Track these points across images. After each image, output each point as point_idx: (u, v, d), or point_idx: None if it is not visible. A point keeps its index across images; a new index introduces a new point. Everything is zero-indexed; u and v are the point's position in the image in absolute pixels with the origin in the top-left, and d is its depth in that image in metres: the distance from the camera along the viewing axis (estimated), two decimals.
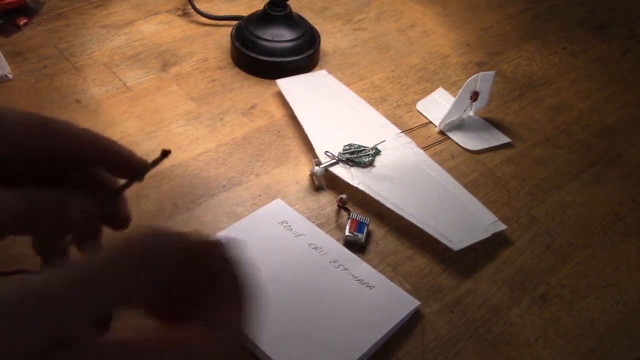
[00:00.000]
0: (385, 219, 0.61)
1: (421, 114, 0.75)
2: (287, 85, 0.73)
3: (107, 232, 0.38)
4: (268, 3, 0.77)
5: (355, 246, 0.58)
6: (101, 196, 0.38)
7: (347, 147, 0.65)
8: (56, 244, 0.39)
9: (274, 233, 0.57)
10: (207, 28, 0.83)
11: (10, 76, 0.71)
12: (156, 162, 0.35)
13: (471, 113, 0.74)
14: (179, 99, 0.72)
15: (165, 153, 0.33)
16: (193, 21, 0.84)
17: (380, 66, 0.81)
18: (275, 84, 0.73)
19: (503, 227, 0.61)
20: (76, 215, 0.35)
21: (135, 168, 0.38)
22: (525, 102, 0.79)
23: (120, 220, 0.41)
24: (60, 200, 0.35)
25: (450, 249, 0.57)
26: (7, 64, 0.72)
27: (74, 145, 0.37)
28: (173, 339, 0.28)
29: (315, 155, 0.65)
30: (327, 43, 0.83)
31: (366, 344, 0.49)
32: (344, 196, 0.61)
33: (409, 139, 0.69)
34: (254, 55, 0.76)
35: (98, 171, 0.40)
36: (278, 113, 0.72)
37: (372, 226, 0.60)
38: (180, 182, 0.62)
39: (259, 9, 0.79)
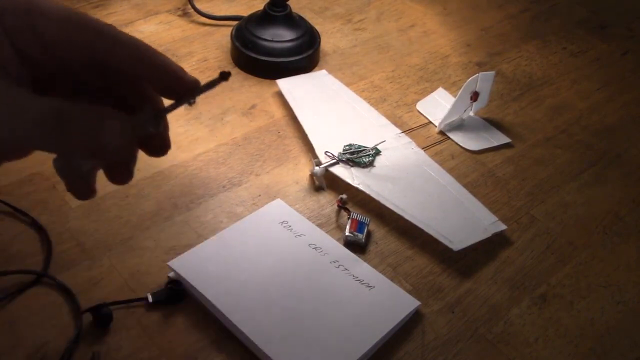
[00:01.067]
0: (385, 219, 0.61)
1: (421, 114, 0.75)
2: (287, 85, 0.73)
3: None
4: (268, 3, 0.77)
5: (356, 246, 0.58)
6: (144, 116, 0.32)
7: (347, 147, 0.65)
8: (83, 166, 0.34)
9: (274, 233, 0.57)
10: (207, 28, 0.83)
11: None
12: (212, 84, 0.30)
13: (471, 113, 0.74)
14: None
15: (224, 75, 0.29)
16: (193, 21, 0.84)
17: (380, 66, 0.81)
18: (275, 84, 0.73)
19: (503, 227, 0.60)
20: (111, 138, 0.30)
21: (186, 87, 0.33)
22: (525, 102, 0.79)
23: (159, 145, 0.36)
24: (95, 118, 0.30)
25: (450, 249, 0.57)
26: None
27: (118, 54, 0.32)
28: None
29: (315, 155, 0.65)
30: (327, 43, 0.83)
31: (366, 344, 0.49)
32: (344, 196, 0.61)
33: (409, 139, 0.69)
34: (254, 55, 0.76)
35: (143, 86, 0.35)
36: (278, 113, 0.72)
37: (372, 226, 0.60)
38: (180, 182, 0.62)
39: (259, 9, 0.79)
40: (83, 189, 0.36)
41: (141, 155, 0.35)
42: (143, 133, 0.32)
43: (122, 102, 0.34)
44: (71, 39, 0.31)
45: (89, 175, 0.35)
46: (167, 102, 0.34)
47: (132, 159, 0.35)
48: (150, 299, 0.51)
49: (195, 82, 0.33)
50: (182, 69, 0.33)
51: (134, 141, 0.32)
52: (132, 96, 0.34)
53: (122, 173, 0.35)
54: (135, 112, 0.32)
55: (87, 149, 0.30)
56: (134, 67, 0.32)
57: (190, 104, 0.32)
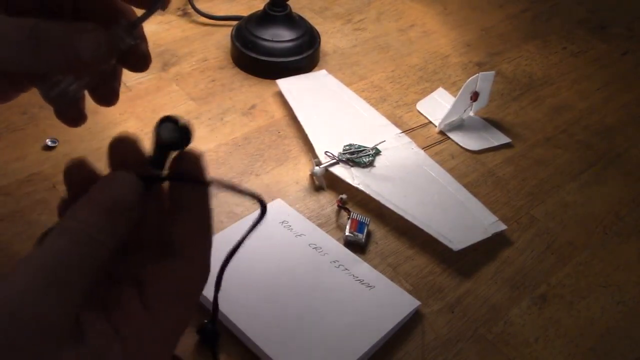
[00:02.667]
0: (385, 219, 0.61)
1: (421, 114, 0.75)
2: (287, 85, 0.73)
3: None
4: (268, 3, 0.77)
5: (356, 246, 0.58)
6: (117, 29, 0.32)
7: (347, 147, 0.65)
8: (67, 90, 0.34)
9: (274, 233, 0.57)
10: (207, 28, 0.83)
11: None
12: None
13: (471, 113, 0.74)
14: (179, 99, 0.72)
15: None
16: (193, 21, 0.84)
17: (380, 66, 0.81)
18: (275, 84, 0.73)
19: (503, 227, 0.60)
20: (87, 50, 0.30)
21: None
22: (526, 102, 0.79)
23: (139, 59, 0.36)
24: (71, 31, 0.30)
25: (450, 249, 0.57)
26: None
27: None
28: None
29: (315, 155, 0.65)
30: (327, 43, 0.83)
31: (366, 344, 0.49)
32: (344, 196, 0.61)
33: (409, 139, 0.69)
34: (254, 55, 0.76)
35: (113, 1, 0.35)
36: (278, 113, 0.72)
37: (372, 226, 0.60)
38: None
39: (259, 9, 0.79)
40: (72, 113, 0.37)
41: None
42: (120, 46, 0.32)
43: (94, 15, 0.34)
44: None
45: (75, 97, 0.35)
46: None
47: (115, 77, 0.35)
48: None
49: None
50: None
51: (112, 54, 0.33)
52: (104, 12, 0.34)
53: (106, 92, 0.36)
54: (108, 26, 0.32)
55: (65, 64, 0.30)
56: None
57: (163, 8, 0.32)
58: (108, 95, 0.37)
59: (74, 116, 0.37)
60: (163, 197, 0.32)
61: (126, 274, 0.30)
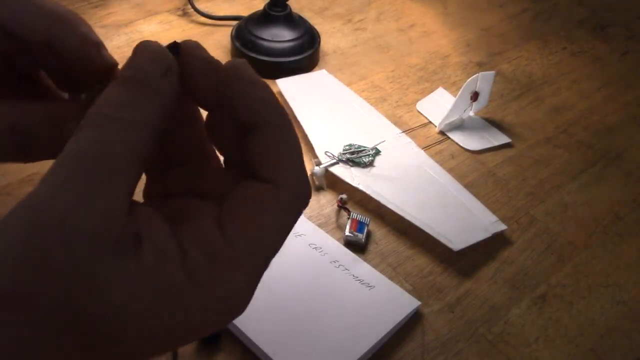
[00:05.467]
0: (385, 219, 0.61)
1: (421, 114, 0.75)
2: (287, 85, 0.73)
3: None
4: (268, 3, 0.77)
5: (356, 246, 0.58)
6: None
7: (347, 147, 0.65)
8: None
9: None
10: (207, 28, 0.83)
11: None
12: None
13: (471, 113, 0.74)
14: None
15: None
16: (193, 21, 0.84)
17: (380, 66, 0.81)
18: (275, 84, 0.73)
19: (503, 227, 0.60)
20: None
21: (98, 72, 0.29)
22: (526, 102, 0.79)
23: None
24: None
25: (450, 249, 0.57)
26: None
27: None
28: None
29: (315, 155, 0.65)
30: (327, 43, 0.83)
31: (366, 344, 0.49)
32: (344, 196, 0.61)
33: (409, 139, 0.69)
34: (254, 55, 0.76)
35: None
36: None
37: (372, 226, 0.60)
38: None
39: (259, 9, 0.79)
40: None
41: None
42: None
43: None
44: None
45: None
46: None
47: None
48: None
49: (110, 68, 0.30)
50: (97, 46, 0.30)
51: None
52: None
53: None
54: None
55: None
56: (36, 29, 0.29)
57: (84, 99, 0.28)
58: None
59: None
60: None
61: (193, 185, 0.27)
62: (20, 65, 0.31)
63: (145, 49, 0.25)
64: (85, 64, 0.30)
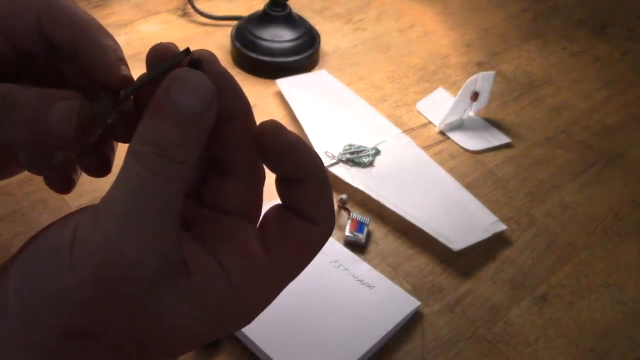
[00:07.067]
0: (385, 219, 0.61)
1: (421, 114, 0.75)
2: (287, 85, 0.73)
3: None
4: (268, 3, 0.77)
5: (355, 246, 0.58)
6: (103, 98, 0.29)
7: (347, 147, 0.65)
8: (50, 162, 0.31)
9: None
10: (207, 28, 0.83)
11: None
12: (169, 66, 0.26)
13: (471, 113, 0.74)
14: None
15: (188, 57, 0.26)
16: (193, 21, 0.84)
17: (380, 66, 0.81)
18: (275, 84, 0.73)
19: (503, 227, 0.60)
20: (58, 122, 0.27)
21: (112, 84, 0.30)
22: (526, 102, 0.79)
23: (98, 163, 0.33)
24: (40, 98, 0.27)
25: (450, 249, 0.57)
26: None
27: (58, 20, 0.30)
28: None
29: None
30: (327, 43, 0.83)
31: (366, 344, 0.49)
32: (344, 196, 0.61)
33: (409, 139, 0.69)
34: (254, 55, 0.76)
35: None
36: (278, 113, 0.72)
37: (372, 226, 0.60)
38: None
39: (259, 9, 0.79)
40: (59, 182, 0.34)
41: None
42: (106, 118, 0.29)
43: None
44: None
45: (60, 167, 0.32)
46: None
47: (108, 145, 0.32)
48: None
49: (124, 80, 0.30)
50: (116, 60, 0.30)
51: (92, 128, 0.29)
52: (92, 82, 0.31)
53: (96, 161, 0.33)
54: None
55: (32, 138, 0.27)
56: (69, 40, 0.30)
57: (118, 109, 0.28)
58: (98, 165, 0.33)
59: (62, 184, 0.34)
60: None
61: (222, 203, 0.30)
62: (42, 67, 0.32)
63: (187, 82, 0.25)
64: (103, 77, 0.30)
